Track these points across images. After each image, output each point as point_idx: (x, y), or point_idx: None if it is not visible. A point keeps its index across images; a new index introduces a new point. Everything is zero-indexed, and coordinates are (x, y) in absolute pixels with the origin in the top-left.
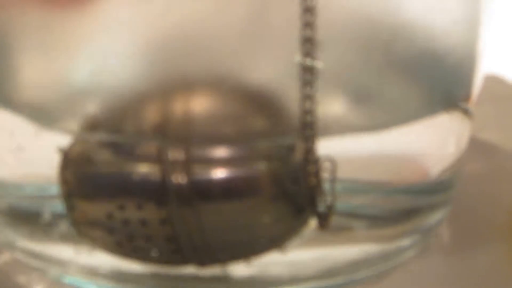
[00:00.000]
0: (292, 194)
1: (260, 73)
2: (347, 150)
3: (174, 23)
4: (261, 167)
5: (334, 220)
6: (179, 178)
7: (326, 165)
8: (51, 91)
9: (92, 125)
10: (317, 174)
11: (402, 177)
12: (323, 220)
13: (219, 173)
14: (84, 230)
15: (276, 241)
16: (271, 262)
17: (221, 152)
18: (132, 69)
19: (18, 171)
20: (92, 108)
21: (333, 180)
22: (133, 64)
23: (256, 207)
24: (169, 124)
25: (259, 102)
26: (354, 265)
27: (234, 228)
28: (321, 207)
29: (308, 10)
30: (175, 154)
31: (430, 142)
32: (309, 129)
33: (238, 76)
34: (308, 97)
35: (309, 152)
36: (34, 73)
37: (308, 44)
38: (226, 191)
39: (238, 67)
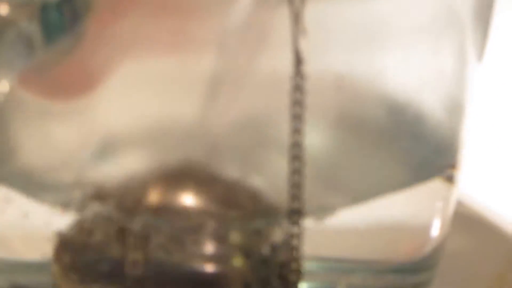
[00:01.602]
0: None
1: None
2: (332, 228)
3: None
4: (233, 265)
5: None
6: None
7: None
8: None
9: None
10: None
11: (388, 254)
12: None
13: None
14: None
15: None
16: None
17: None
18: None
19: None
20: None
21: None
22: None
23: None
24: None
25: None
26: None
27: None
28: None
29: (298, 88)
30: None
31: (416, 217)
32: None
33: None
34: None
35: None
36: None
37: (297, 120)
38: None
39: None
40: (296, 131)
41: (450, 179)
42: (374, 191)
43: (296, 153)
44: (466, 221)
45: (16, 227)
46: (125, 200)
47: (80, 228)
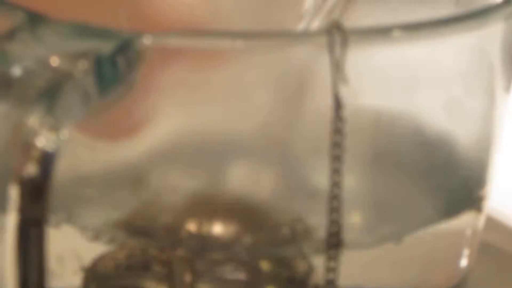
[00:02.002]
0: None
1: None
2: (362, 262)
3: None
4: None
5: None
6: None
7: None
8: None
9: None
10: None
11: (420, 285)
12: None
13: None
14: None
15: None
16: None
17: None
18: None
19: None
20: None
21: None
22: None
23: None
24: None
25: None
26: None
27: None
28: None
29: (338, 131)
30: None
31: (446, 247)
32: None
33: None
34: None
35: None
36: None
37: (337, 161)
38: None
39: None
40: (336, 171)
41: (479, 209)
42: (410, 225)
43: (335, 193)
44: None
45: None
46: (160, 231)
47: (112, 260)
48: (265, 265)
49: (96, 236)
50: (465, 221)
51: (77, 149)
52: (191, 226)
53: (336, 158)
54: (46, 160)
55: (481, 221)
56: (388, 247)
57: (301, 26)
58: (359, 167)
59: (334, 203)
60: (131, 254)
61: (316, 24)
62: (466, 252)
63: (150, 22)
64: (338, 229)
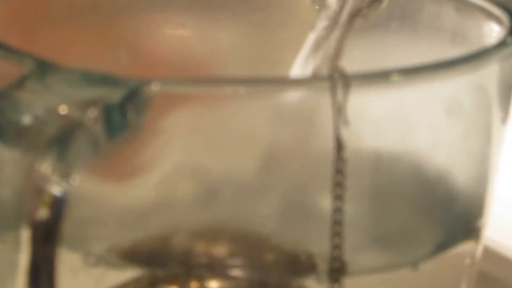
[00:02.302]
0: None
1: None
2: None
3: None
4: None
5: None
6: None
7: None
8: None
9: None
10: None
11: None
12: None
13: None
14: None
15: None
16: None
17: None
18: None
19: None
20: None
21: None
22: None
23: None
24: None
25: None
26: None
27: None
28: None
29: (339, 172)
30: None
31: (444, 278)
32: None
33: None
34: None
35: None
36: None
37: (339, 189)
38: None
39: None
40: (338, 210)
41: (476, 238)
42: (409, 256)
43: (337, 230)
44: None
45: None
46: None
47: None
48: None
49: (97, 262)
50: (463, 250)
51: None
52: (198, 255)
53: (338, 197)
54: (57, 205)
55: (479, 250)
56: (387, 278)
57: (297, 64)
58: (359, 204)
59: (336, 238)
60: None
61: (312, 61)
62: (464, 281)
63: (151, 61)
64: (340, 253)
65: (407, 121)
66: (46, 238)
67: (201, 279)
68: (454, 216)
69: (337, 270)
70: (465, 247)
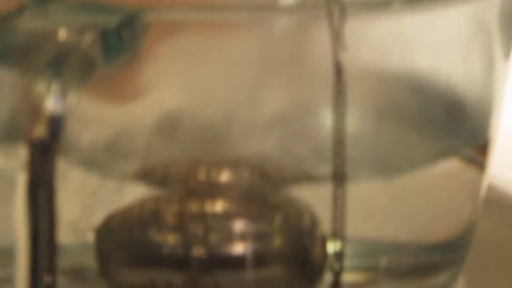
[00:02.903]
0: (302, 269)
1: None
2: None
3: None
4: (275, 243)
5: (363, 276)
6: (199, 251)
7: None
8: None
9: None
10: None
11: (422, 236)
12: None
13: (235, 248)
14: None
15: None
16: None
17: (237, 227)
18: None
19: None
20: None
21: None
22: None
23: (268, 277)
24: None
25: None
26: None
27: None
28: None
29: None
30: (195, 228)
31: (446, 199)
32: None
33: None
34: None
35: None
36: None
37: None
38: (241, 264)
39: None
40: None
41: (481, 166)
42: (410, 163)
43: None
44: (497, 206)
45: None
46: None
47: (123, 218)
48: (276, 218)
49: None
50: (467, 175)
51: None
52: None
53: (339, 117)
54: (55, 123)
55: (484, 178)
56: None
57: None
58: (360, 120)
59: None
60: (142, 210)
61: None
62: (469, 204)
63: None
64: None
65: (407, 46)
66: (44, 157)
67: (202, 201)
68: (457, 136)
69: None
70: (469, 171)
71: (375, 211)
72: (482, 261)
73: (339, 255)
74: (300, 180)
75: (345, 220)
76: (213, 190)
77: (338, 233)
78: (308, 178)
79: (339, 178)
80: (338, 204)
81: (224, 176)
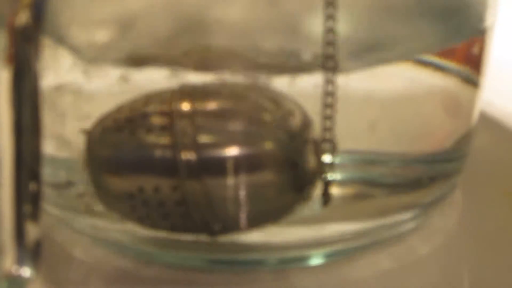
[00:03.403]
0: (294, 173)
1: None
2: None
3: None
4: (265, 147)
5: (357, 188)
6: (187, 155)
7: (326, 146)
8: None
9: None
10: (318, 156)
11: (418, 147)
12: (325, 198)
13: (224, 150)
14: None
15: (280, 213)
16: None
17: (227, 128)
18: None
19: None
20: None
21: (333, 161)
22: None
23: (259, 183)
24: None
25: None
26: (376, 229)
27: (237, 200)
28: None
29: None
30: (184, 128)
31: (441, 111)
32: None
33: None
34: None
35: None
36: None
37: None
38: (229, 167)
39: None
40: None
41: (476, 83)
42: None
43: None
44: (492, 123)
45: None
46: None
47: (113, 120)
48: (266, 119)
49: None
50: (460, 89)
51: None
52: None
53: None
54: (37, 7)
55: (477, 93)
56: (385, 103)
57: None
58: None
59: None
60: (132, 110)
61: None
62: (464, 116)
63: None
64: (333, 52)
65: None
66: (27, 42)
67: (192, 100)
68: (453, 21)
69: (331, 69)
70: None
71: (369, 122)
72: (479, 176)
73: (331, 160)
74: (291, 70)
75: (335, 120)
76: (203, 90)
77: (328, 131)
78: (299, 68)
79: (330, 67)
80: (329, 101)
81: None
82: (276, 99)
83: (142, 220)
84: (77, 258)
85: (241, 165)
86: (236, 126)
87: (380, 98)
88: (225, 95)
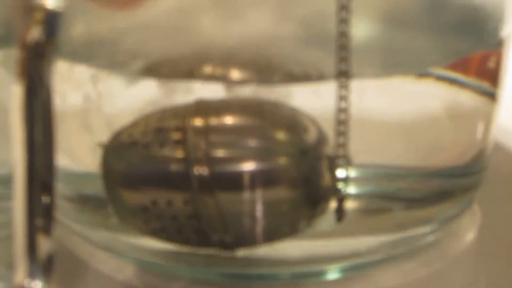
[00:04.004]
0: (307, 189)
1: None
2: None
3: None
4: (278, 162)
5: (375, 202)
6: (200, 170)
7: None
8: None
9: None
10: (332, 172)
11: (435, 161)
12: (339, 214)
13: (237, 166)
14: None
15: (294, 228)
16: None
17: (241, 145)
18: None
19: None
20: None
21: (347, 176)
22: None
23: (272, 198)
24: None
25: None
26: (393, 244)
27: (250, 215)
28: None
29: None
30: (197, 142)
31: (458, 125)
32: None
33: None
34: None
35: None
36: None
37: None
38: (242, 183)
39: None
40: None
41: (492, 95)
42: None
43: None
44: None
45: None
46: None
47: (128, 135)
48: (280, 135)
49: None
50: (478, 103)
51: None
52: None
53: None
54: (50, 23)
55: (496, 106)
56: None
57: None
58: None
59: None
60: (146, 125)
61: None
62: (479, 128)
63: None
64: (347, 55)
65: None
66: (39, 58)
67: (206, 115)
68: (468, 32)
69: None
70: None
71: (387, 136)
72: (497, 194)
73: (345, 175)
74: (305, 79)
75: (349, 135)
76: (218, 105)
77: (342, 147)
78: (314, 77)
79: (343, 75)
80: (342, 113)
81: (230, 73)
82: (292, 115)
83: (157, 234)
84: (93, 270)
85: (254, 180)
86: (249, 141)
87: (397, 113)
88: (239, 110)
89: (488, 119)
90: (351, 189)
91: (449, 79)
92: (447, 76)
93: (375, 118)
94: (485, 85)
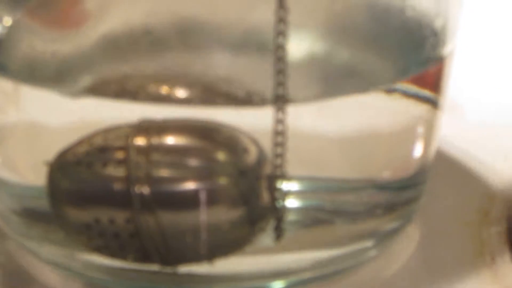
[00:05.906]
0: (246, 208)
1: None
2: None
3: None
4: (218, 182)
5: (317, 216)
6: (141, 189)
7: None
8: None
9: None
10: (272, 191)
11: (378, 174)
12: (277, 232)
13: (178, 185)
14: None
15: (234, 246)
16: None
17: (182, 165)
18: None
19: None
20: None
21: (285, 196)
22: None
23: (211, 217)
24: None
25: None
26: (335, 258)
27: (190, 233)
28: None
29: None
30: (138, 162)
31: (404, 140)
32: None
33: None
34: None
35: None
36: None
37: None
38: (182, 202)
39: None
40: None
41: (434, 105)
42: (362, 84)
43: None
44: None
45: None
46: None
47: (73, 154)
48: (220, 156)
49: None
50: (419, 116)
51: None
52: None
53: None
54: None
55: (436, 119)
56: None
57: None
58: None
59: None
60: (90, 144)
61: None
62: (420, 143)
63: None
64: (283, 80)
65: None
66: None
67: (149, 135)
68: (406, 47)
69: (281, 98)
70: (420, 113)
71: (327, 150)
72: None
73: (282, 191)
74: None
75: (286, 149)
76: (161, 125)
77: (279, 163)
78: (256, 101)
79: (280, 99)
80: (279, 130)
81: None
82: (232, 136)
83: (100, 250)
84: (40, 285)
85: (194, 199)
86: (190, 161)
87: (338, 126)
88: (182, 130)
89: (431, 131)
90: (293, 203)
91: (397, 91)
92: (395, 88)
93: (316, 131)
94: (431, 96)
